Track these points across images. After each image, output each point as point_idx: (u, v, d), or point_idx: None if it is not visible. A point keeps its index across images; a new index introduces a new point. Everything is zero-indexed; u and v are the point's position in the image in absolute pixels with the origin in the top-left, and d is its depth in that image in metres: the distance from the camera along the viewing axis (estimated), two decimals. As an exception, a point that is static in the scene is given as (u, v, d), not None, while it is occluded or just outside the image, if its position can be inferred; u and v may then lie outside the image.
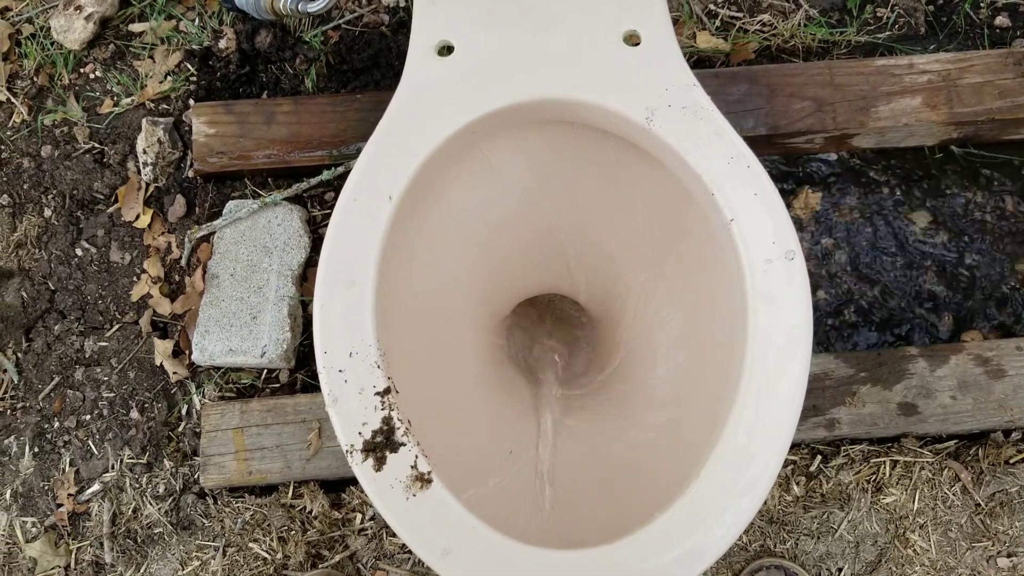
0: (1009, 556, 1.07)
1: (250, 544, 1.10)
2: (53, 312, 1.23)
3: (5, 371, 1.21)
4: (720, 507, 0.67)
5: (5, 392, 1.21)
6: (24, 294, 1.24)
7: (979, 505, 1.08)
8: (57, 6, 1.31)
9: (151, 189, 1.25)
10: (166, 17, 1.31)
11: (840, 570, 1.06)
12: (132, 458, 1.16)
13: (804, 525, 1.08)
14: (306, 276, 1.17)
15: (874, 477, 1.09)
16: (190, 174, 1.24)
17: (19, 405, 1.20)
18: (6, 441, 1.19)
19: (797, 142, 1.19)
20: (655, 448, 0.83)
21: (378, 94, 1.21)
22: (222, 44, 1.29)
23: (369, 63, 1.25)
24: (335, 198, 1.21)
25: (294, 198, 1.21)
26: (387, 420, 0.71)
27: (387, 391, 0.72)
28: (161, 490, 1.14)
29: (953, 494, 1.08)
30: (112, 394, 1.18)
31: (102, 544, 1.13)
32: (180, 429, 1.16)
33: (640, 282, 0.95)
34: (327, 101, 1.21)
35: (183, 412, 1.17)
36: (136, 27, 1.32)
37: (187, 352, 1.18)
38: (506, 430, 0.91)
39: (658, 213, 0.89)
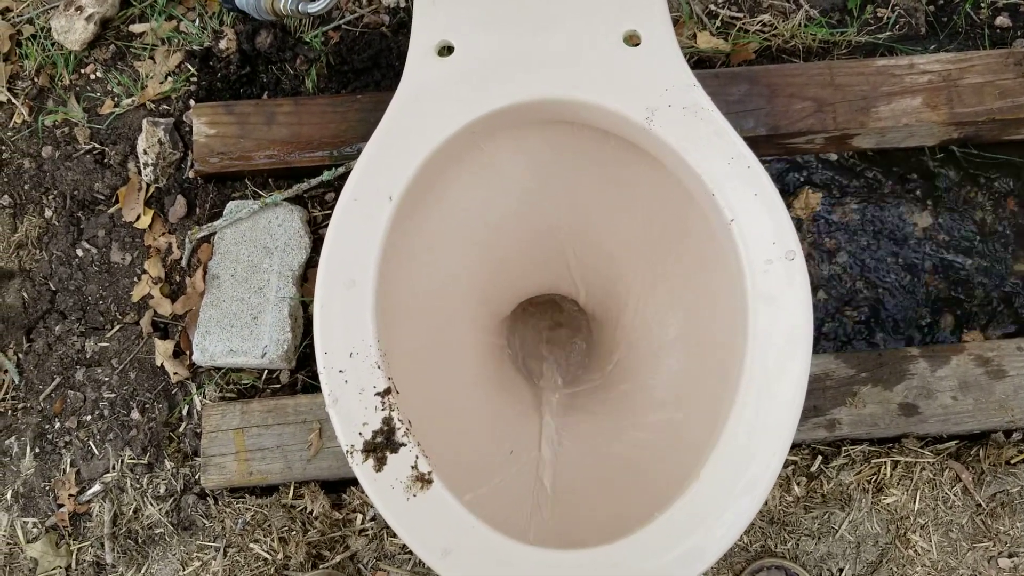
0: (1010, 556, 1.06)
1: (251, 544, 1.10)
2: (54, 313, 1.23)
3: (6, 372, 1.21)
4: (720, 507, 0.67)
5: (6, 393, 1.21)
6: (25, 295, 1.24)
7: (980, 505, 1.08)
8: (58, 7, 1.31)
9: (152, 190, 1.25)
10: (167, 18, 1.31)
11: (841, 570, 1.06)
12: (133, 458, 1.16)
13: (805, 525, 1.08)
14: (307, 276, 1.17)
15: (875, 477, 1.09)
16: (191, 175, 1.24)
17: (20, 406, 1.20)
18: (7, 442, 1.19)
19: (797, 142, 1.19)
20: (655, 448, 0.83)
21: (378, 94, 1.21)
22: (223, 45, 1.29)
23: (369, 63, 1.25)
24: (336, 198, 1.20)
25: (295, 199, 1.21)
26: (387, 420, 0.71)
27: (387, 391, 0.72)
28: (162, 490, 1.14)
29: (954, 494, 1.08)
30: (113, 395, 1.18)
31: (103, 544, 1.13)
32: (181, 430, 1.16)
33: (640, 282, 0.95)
34: (327, 101, 1.21)
35: (184, 413, 1.17)
36: (137, 28, 1.32)
37: (188, 353, 1.18)
38: (506, 430, 0.91)
39: (658, 213, 0.89)
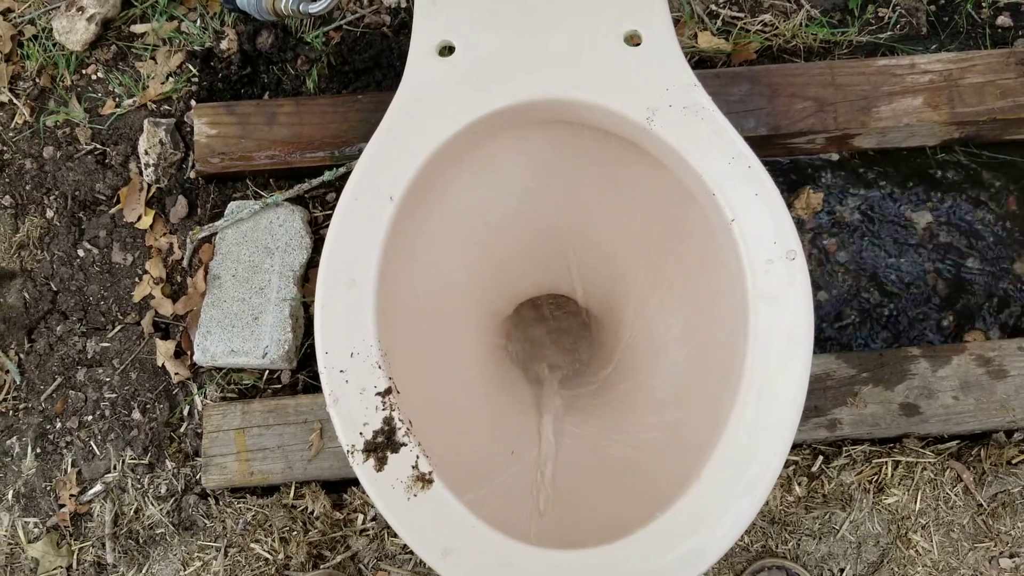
0: (1012, 557, 1.06)
1: (252, 545, 1.10)
2: (55, 313, 1.23)
3: (7, 372, 1.21)
4: (721, 507, 0.67)
5: (7, 393, 1.21)
6: (26, 295, 1.24)
7: (981, 506, 1.08)
8: (59, 7, 1.31)
9: (153, 190, 1.25)
10: (168, 18, 1.32)
11: (842, 571, 1.06)
12: (134, 459, 1.16)
13: (806, 525, 1.08)
14: (308, 277, 1.17)
15: (876, 477, 1.09)
16: (192, 175, 1.24)
17: (21, 406, 1.20)
18: (8, 442, 1.19)
19: (798, 142, 1.19)
20: (656, 448, 0.83)
21: (379, 95, 1.21)
22: (224, 45, 1.29)
23: (370, 64, 1.25)
24: (337, 199, 1.21)
25: (296, 199, 1.21)
26: (388, 420, 0.71)
27: (388, 391, 0.72)
28: (163, 491, 1.14)
29: (955, 495, 1.08)
30: (114, 395, 1.18)
31: (104, 544, 1.13)
32: (182, 430, 1.16)
33: (640, 282, 0.95)
34: (328, 102, 1.21)
35: (185, 413, 1.17)
36: (138, 28, 1.32)
37: (189, 353, 1.18)
38: (507, 430, 0.91)
39: (659, 213, 0.89)
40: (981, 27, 1.27)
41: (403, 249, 0.79)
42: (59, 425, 1.18)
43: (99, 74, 1.32)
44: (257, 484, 1.11)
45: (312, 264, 1.17)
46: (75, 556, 1.14)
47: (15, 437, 1.19)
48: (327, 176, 1.17)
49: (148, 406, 1.18)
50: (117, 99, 1.30)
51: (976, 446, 1.10)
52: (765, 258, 0.72)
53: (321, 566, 1.09)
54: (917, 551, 1.07)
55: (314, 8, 1.07)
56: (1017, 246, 1.18)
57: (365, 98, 1.20)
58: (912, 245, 1.19)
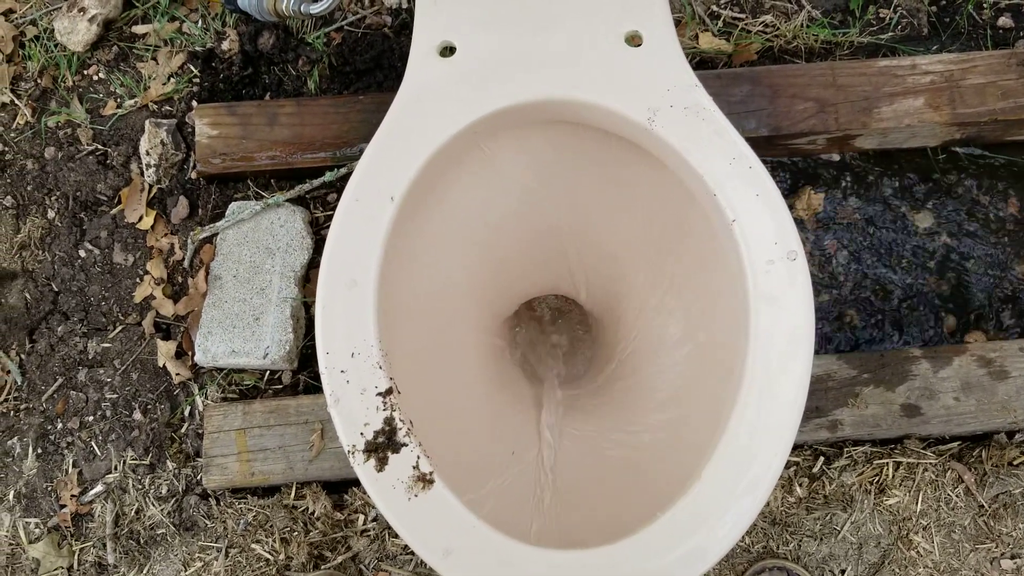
0: (1013, 558, 1.06)
1: (252, 545, 1.10)
2: (56, 313, 1.23)
3: (9, 372, 1.21)
4: (722, 507, 0.67)
5: (8, 393, 1.21)
6: (27, 295, 1.24)
7: (982, 507, 1.08)
8: (61, 8, 1.31)
9: (154, 190, 1.25)
10: (169, 19, 1.32)
11: (843, 572, 1.06)
12: (135, 459, 1.16)
13: (807, 526, 1.07)
14: (309, 277, 1.17)
15: (877, 478, 1.08)
16: (193, 175, 1.24)
17: (22, 406, 1.20)
18: (9, 442, 1.19)
19: (799, 143, 1.19)
20: (656, 448, 0.83)
21: (380, 95, 1.22)
22: (225, 46, 1.29)
23: (371, 64, 1.25)
24: (338, 199, 1.20)
25: (297, 199, 1.21)
26: (389, 421, 0.71)
27: (389, 392, 0.72)
28: (164, 491, 1.14)
29: (956, 496, 1.08)
30: (115, 395, 1.18)
31: (105, 545, 1.13)
32: (183, 430, 1.16)
33: (641, 282, 0.95)
34: (330, 102, 1.21)
35: (186, 413, 1.17)
36: (139, 29, 1.32)
37: (190, 353, 1.18)
38: (508, 431, 0.91)
39: (659, 213, 0.89)
40: (982, 28, 1.27)
41: (404, 249, 0.79)
42: (60, 425, 1.18)
43: (100, 75, 1.32)
44: (258, 485, 1.11)
45: (313, 264, 1.17)
46: (76, 556, 1.14)
47: (16, 437, 1.19)
48: (328, 177, 1.17)
49: (149, 406, 1.18)
50: (118, 100, 1.30)
51: (977, 447, 1.10)
52: (766, 258, 0.72)
53: (322, 567, 1.09)
54: (918, 552, 1.06)
55: (315, 9, 1.07)
56: (1018, 247, 1.18)
57: (366, 99, 1.20)
58: (913, 246, 1.19)
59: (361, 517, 1.11)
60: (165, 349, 1.18)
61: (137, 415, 1.17)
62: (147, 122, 1.24)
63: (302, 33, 1.28)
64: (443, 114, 0.80)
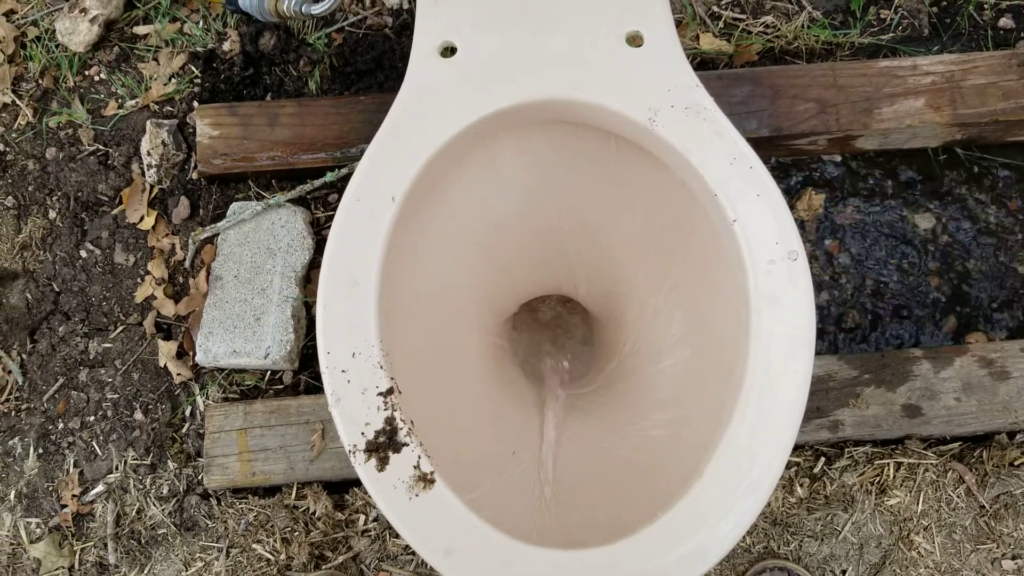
0: (1014, 559, 1.06)
1: (253, 545, 1.10)
2: (57, 314, 1.23)
3: (10, 372, 1.21)
4: (723, 507, 0.67)
5: (10, 393, 1.21)
6: (29, 296, 1.24)
7: (983, 507, 1.08)
8: (62, 9, 1.31)
9: (155, 191, 1.25)
10: (170, 19, 1.32)
11: (844, 572, 1.06)
12: (136, 459, 1.16)
13: (808, 527, 1.07)
14: (310, 277, 1.17)
15: (878, 479, 1.08)
16: (194, 176, 1.25)
17: (24, 406, 1.20)
18: (11, 442, 1.19)
19: (800, 144, 1.19)
20: (657, 448, 0.83)
21: (381, 96, 1.22)
22: (226, 46, 1.29)
23: (372, 65, 1.25)
24: (339, 200, 1.21)
25: (298, 200, 1.21)
26: (390, 420, 0.71)
27: (390, 391, 0.72)
28: (165, 491, 1.14)
29: (957, 496, 1.08)
30: (116, 395, 1.19)
31: (106, 545, 1.13)
32: (184, 430, 1.16)
33: (642, 282, 0.95)
34: (331, 103, 1.21)
35: (187, 413, 1.17)
36: (140, 29, 1.33)
37: (191, 353, 1.18)
38: (509, 430, 0.91)
39: (660, 213, 0.89)
40: (983, 29, 1.27)
41: (405, 249, 0.79)
42: (61, 425, 1.19)
43: (102, 75, 1.32)
44: (259, 485, 1.11)
45: (314, 265, 1.17)
46: (77, 556, 1.14)
47: (17, 437, 1.19)
48: (329, 177, 1.18)
49: (150, 407, 1.18)
50: (120, 100, 1.30)
51: (978, 448, 1.10)
52: (767, 259, 0.72)
53: (323, 567, 1.09)
54: (919, 553, 1.06)
55: (316, 9, 1.07)
56: (1019, 247, 1.18)
57: (367, 99, 1.21)
58: (914, 246, 1.19)
59: (362, 517, 1.11)
60: (166, 349, 1.18)
61: (138, 415, 1.17)
62: (148, 122, 1.24)
63: (303, 34, 1.28)
64: (444, 114, 0.80)
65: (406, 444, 0.70)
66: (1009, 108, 1.16)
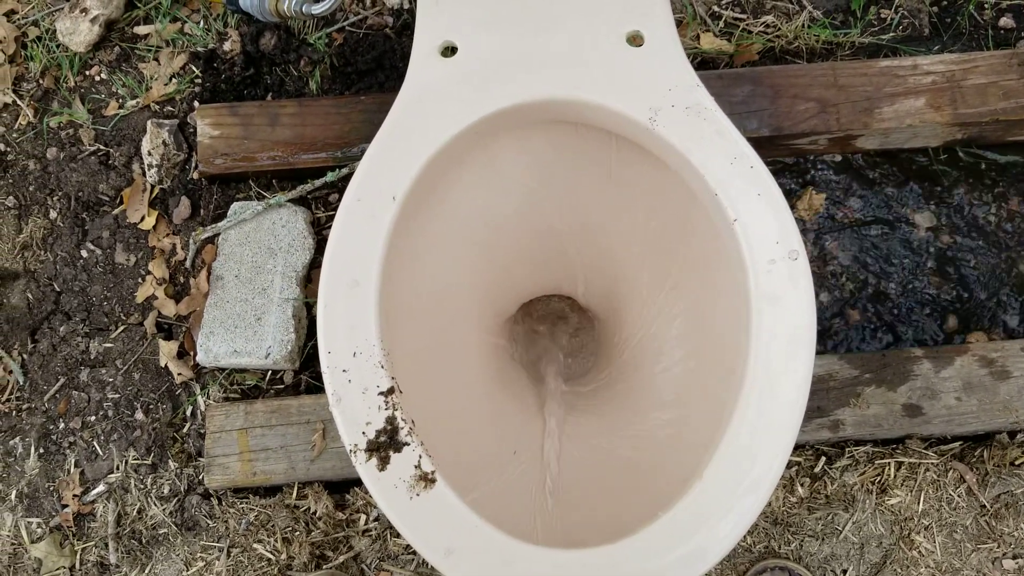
0: (1015, 558, 1.06)
1: (254, 545, 1.10)
2: (58, 313, 1.23)
3: (11, 372, 1.21)
4: (723, 507, 0.67)
5: (11, 393, 1.21)
6: (30, 295, 1.24)
7: (984, 507, 1.08)
8: (63, 9, 1.31)
9: (156, 191, 1.25)
10: (171, 19, 1.32)
11: (845, 572, 1.06)
12: (137, 459, 1.16)
13: (808, 526, 1.07)
14: (310, 277, 1.17)
15: (879, 478, 1.08)
16: (195, 176, 1.25)
17: (24, 406, 1.20)
18: (11, 442, 1.19)
19: (801, 143, 1.19)
20: (658, 448, 0.83)
21: (382, 96, 1.22)
22: (227, 46, 1.29)
23: (373, 65, 1.26)
24: (339, 200, 1.20)
25: (298, 200, 1.21)
26: (391, 420, 0.71)
27: (391, 391, 0.72)
28: (166, 491, 1.14)
29: (958, 496, 1.08)
30: (117, 395, 1.19)
31: (107, 545, 1.14)
32: (185, 430, 1.17)
33: (642, 282, 0.95)
34: (331, 103, 1.21)
35: (188, 413, 1.17)
36: (141, 29, 1.33)
37: (192, 353, 1.18)
38: (509, 430, 0.91)
39: (660, 213, 0.89)
40: (983, 28, 1.27)
41: (405, 249, 0.79)
42: (62, 425, 1.19)
43: (102, 75, 1.32)
44: (260, 484, 1.11)
45: (315, 264, 1.17)
46: (78, 556, 1.14)
47: (18, 437, 1.19)
48: (330, 177, 1.18)
49: (151, 406, 1.18)
50: (120, 100, 1.30)
51: (979, 447, 1.10)
52: (768, 258, 0.72)
53: (324, 566, 1.09)
54: (920, 552, 1.06)
55: (317, 9, 1.07)
56: (1020, 247, 1.18)
57: (368, 99, 1.21)
58: (914, 246, 1.19)
59: (363, 517, 1.11)
60: (167, 349, 1.18)
61: (139, 415, 1.17)
62: (149, 122, 1.24)
63: (304, 34, 1.28)
64: (444, 114, 0.80)
65: (407, 444, 0.70)
66: (1009, 107, 1.16)
